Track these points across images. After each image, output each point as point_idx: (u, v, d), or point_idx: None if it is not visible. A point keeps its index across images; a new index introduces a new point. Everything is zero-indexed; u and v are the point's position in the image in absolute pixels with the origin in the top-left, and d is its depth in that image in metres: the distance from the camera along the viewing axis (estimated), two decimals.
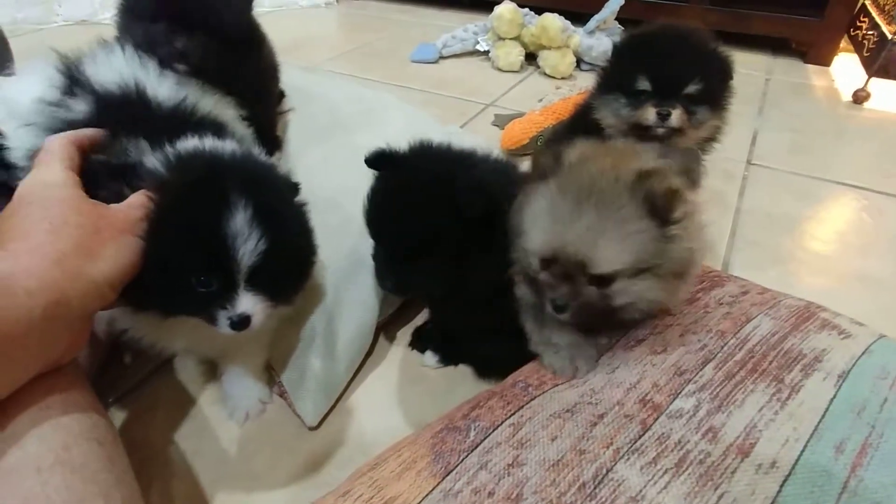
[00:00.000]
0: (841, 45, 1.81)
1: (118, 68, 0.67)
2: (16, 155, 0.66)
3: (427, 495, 0.40)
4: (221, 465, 0.62)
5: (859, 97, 1.52)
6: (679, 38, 0.80)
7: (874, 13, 1.64)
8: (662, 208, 0.46)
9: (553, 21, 1.60)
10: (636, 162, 0.50)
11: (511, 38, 1.68)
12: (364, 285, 0.74)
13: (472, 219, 0.54)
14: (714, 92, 0.79)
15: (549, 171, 0.51)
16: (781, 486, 0.35)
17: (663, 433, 0.40)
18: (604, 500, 0.36)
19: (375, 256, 0.63)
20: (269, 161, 0.62)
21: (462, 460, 0.43)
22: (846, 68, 1.75)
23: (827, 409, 0.40)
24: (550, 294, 0.50)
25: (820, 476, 0.35)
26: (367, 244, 0.75)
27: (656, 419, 0.42)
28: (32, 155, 0.58)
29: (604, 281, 0.48)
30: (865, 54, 1.60)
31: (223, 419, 0.67)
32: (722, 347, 0.49)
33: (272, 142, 0.92)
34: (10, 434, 0.40)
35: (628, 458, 0.39)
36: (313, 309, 0.71)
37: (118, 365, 0.72)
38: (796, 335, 0.49)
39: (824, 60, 1.78)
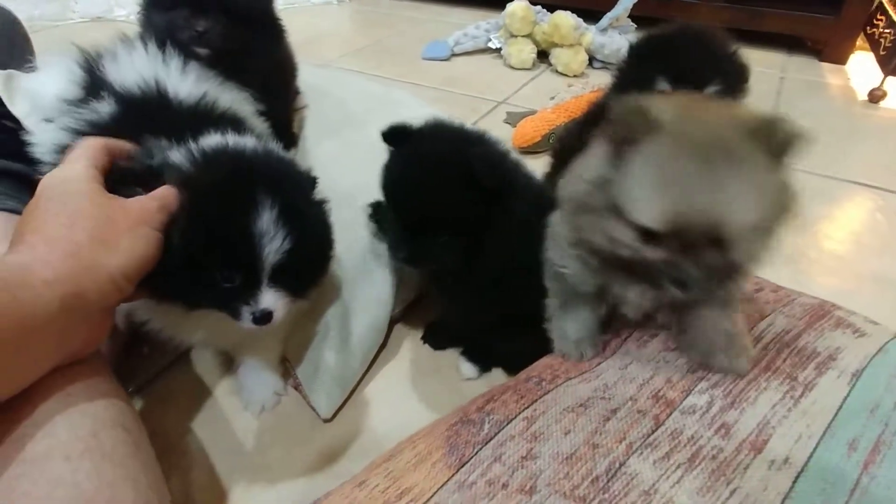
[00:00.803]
0: (857, 44, 1.79)
1: (139, 67, 0.68)
2: (39, 150, 0.67)
3: (442, 486, 0.41)
4: (237, 455, 0.64)
5: (875, 96, 1.50)
6: (698, 39, 0.80)
7: (891, 11, 1.62)
8: (786, 151, 0.42)
9: (565, 19, 1.60)
10: (740, 110, 0.46)
11: (523, 36, 1.68)
12: (378, 280, 0.75)
13: (486, 191, 0.55)
14: (733, 94, 0.79)
15: (643, 131, 0.43)
16: (794, 482, 0.35)
17: (676, 428, 0.41)
18: (617, 493, 0.37)
19: (390, 228, 0.64)
20: (290, 156, 0.63)
21: (476, 452, 0.43)
22: (862, 67, 1.73)
23: (840, 407, 0.40)
24: (671, 271, 0.43)
25: (832, 473, 0.36)
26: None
27: (669, 415, 0.42)
28: (62, 153, 0.59)
29: (727, 242, 0.42)
30: (882, 53, 1.58)
31: (239, 410, 0.68)
32: None
33: (289, 137, 0.92)
34: (38, 421, 0.41)
35: (641, 453, 0.39)
36: (328, 303, 0.72)
37: (137, 356, 0.73)
38: (810, 333, 0.49)
39: (840, 59, 1.76)
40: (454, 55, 1.79)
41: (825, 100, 1.56)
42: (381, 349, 0.76)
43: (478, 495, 0.39)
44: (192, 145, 0.54)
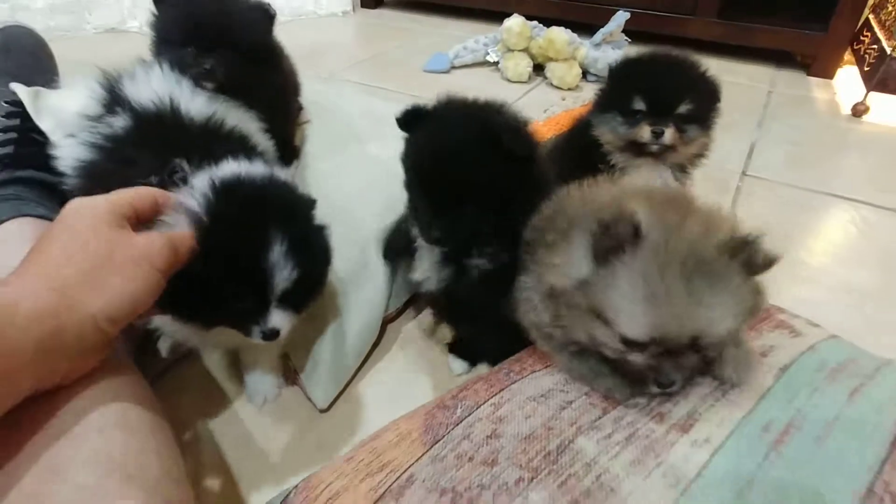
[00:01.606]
0: (845, 59, 1.84)
1: (155, 86, 0.75)
2: (62, 163, 0.73)
3: (417, 460, 0.47)
4: (243, 442, 0.70)
5: (858, 110, 1.56)
6: (671, 63, 0.87)
7: (876, 28, 1.68)
8: (761, 269, 0.44)
9: (560, 34, 1.67)
10: (720, 224, 0.47)
11: (520, 50, 1.75)
12: (371, 284, 0.81)
13: (515, 159, 0.54)
14: (703, 112, 0.86)
15: (628, 243, 0.44)
16: (711, 456, 0.41)
17: (619, 416, 0.47)
18: (564, 465, 0.43)
19: (416, 211, 0.63)
20: (292, 183, 0.67)
21: (449, 432, 0.50)
22: (848, 82, 1.78)
23: (763, 397, 0.47)
24: (655, 375, 0.46)
25: (746, 448, 0.42)
26: (374, 247, 0.83)
27: (615, 406, 0.48)
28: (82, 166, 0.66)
29: (705, 346, 0.45)
30: (866, 68, 1.64)
31: (244, 401, 0.75)
32: None
33: (291, 151, 0.99)
34: (72, 403, 0.47)
35: (587, 434, 0.45)
36: (326, 306, 0.78)
37: (150, 351, 0.80)
38: (749, 334, 0.55)
39: (827, 73, 1.81)
40: (454, 68, 1.86)
41: (810, 114, 1.61)
42: (375, 347, 0.82)
43: (448, 467, 0.46)
44: (209, 175, 0.58)
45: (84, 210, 0.50)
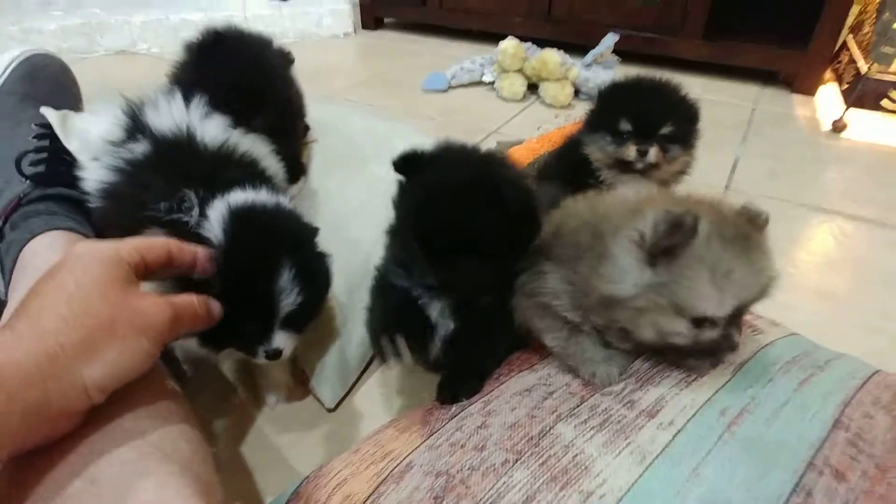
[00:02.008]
0: (826, 77, 1.92)
1: (174, 115, 0.79)
2: (88, 185, 0.78)
3: (416, 449, 0.53)
4: (257, 438, 0.76)
5: (837, 126, 1.63)
6: (655, 87, 0.94)
7: (854, 48, 1.76)
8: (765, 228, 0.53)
9: (552, 56, 1.75)
10: (724, 204, 0.54)
11: (514, 71, 1.82)
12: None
13: (515, 214, 0.55)
14: (684, 133, 0.92)
15: (688, 238, 0.48)
16: (674, 436, 0.47)
17: (595, 404, 0.53)
18: (544, 447, 0.49)
19: (409, 258, 0.61)
20: (297, 211, 0.72)
21: (443, 425, 0.55)
22: (829, 99, 1.85)
23: (722, 386, 0.52)
24: (728, 343, 0.51)
25: (705, 429, 0.47)
26: (376, 257, 0.89)
27: (592, 395, 0.54)
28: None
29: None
30: (844, 86, 1.72)
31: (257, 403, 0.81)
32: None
33: (298, 168, 1.06)
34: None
35: (566, 420, 0.51)
36: (331, 314, 0.84)
37: (170, 357, 0.86)
38: None
39: (809, 91, 1.89)
40: (451, 87, 1.93)
41: (792, 130, 1.68)
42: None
43: (442, 454, 0.52)
44: (223, 204, 0.63)
45: (91, 262, 0.47)
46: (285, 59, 0.98)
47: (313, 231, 0.69)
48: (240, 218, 0.63)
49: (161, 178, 0.70)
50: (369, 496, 0.50)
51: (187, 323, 0.53)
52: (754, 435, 0.47)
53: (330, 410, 0.79)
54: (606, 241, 0.53)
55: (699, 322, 0.50)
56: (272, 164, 0.87)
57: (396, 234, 0.63)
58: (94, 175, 0.78)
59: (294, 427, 0.77)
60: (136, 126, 0.79)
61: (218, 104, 0.84)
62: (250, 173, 0.76)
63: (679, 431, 0.48)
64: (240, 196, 0.66)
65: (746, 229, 0.51)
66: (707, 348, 0.52)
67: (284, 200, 0.71)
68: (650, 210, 0.51)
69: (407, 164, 0.60)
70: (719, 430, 0.48)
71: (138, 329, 0.47)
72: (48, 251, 0.76)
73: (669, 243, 0.48)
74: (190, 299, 0.54)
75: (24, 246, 0.76)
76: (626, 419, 0.50)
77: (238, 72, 0.90)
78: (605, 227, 0.54)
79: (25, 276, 0.73)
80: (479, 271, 0.56)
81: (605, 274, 0.52)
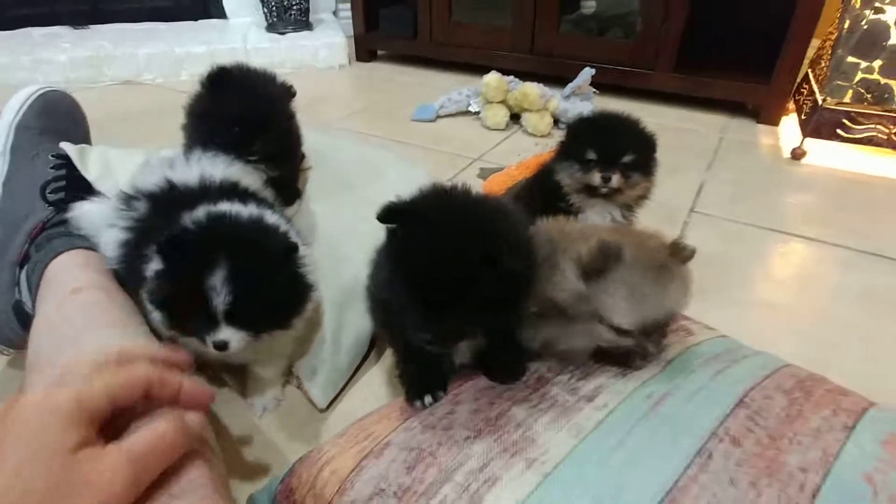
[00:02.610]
0: (790, 108, 2.06)
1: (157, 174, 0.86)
2: (108, 249, 0.85)
3: (393, 430, 0.62)
4: (251, 435, 0.84)
5: (796, 154, 1.75)
6: (617, 121, 1.05)
7: (813, 81, 1.90)
8: (690, 259, 0.63)
9: (532, 88, 1.87)
10: (653, 238, 0.65)
11: (498, 102, 1.95)
12: (361, 306, 0.97)
13: (509, 275, 0.54)
14: (644, 161, 1.04)
15: (614, 262, 0.59)
16: (607, 416, 0.57)
17: (545, 392, 0.63)
18: (500, 426, 0.58)
19: (402, 310, 0.59)
20: (270, 223, 0.75)
21: (418, 412, 0.65)
22: (792, 129, 1.98)
23: (652, 377, 0.62)
24: (641, 351, 0.62)
25: (632, 409, 0.57)
26: (365, 272, 0.99)
27: (544, 385, 0.64)
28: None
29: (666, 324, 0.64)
30: (803, 117, 1.85)
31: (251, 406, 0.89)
32: None
33: (294, 193, 1.17)
34: None
35: (520, 405, 0.61)
36: (323, 321, 0.94)
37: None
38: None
39: (773, 121, 2.02)
40: (439, 117, 2.05)
41: (755, 157, 1.81)
42: (366, 358, 0.98)
43: (415, 433, 0.61)
44: (201, 210, 0.70)
45: (43, 418, 0.42)
46: (287, 92, 1.09)
47: (286, 245, 0.71)
48: (207, 218, 0.69)
49: (163, 220, 0.75)
50: (353, 469, 0.59)
51: (162, 461, 0.47)
52: (672, 413, 0.57)
53: (322, 411, 0.88)
54: (558, 256, 0.64)
55: (619, 331, 0.61)
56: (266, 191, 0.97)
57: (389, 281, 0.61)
58: (111, 238, 0.84)
59: (288, 426, 0.86)
60: (130, 198, 0.86)
61: (223, 131, 0.95)
62: (242, 195, 0.84)
63: (611, 412, 0.58)
64: (223, 205, 0.73)
65: (665, 261, 0.61)
66: (624, 354, 0.64)
67: (273, 216, 0.76)
68: (594, 237, 0.63)
69: (391, 215, 0.58)
70: (645, 409, 0.57)
71: (92, 495, 0.41)
72: (70, 267, 0.85)
73: (599, 265, 0.60)
74: (157, 434, 0.47)
75: (48, 264, 0.85)
76: (569, 403, 0.60)
77: (242, 101, 1.00)
78: (561, 244, 0.66)
79: (50, 291, 0.83)
80: (472, 322, 0.58)
81: (553, 281, 0.63)
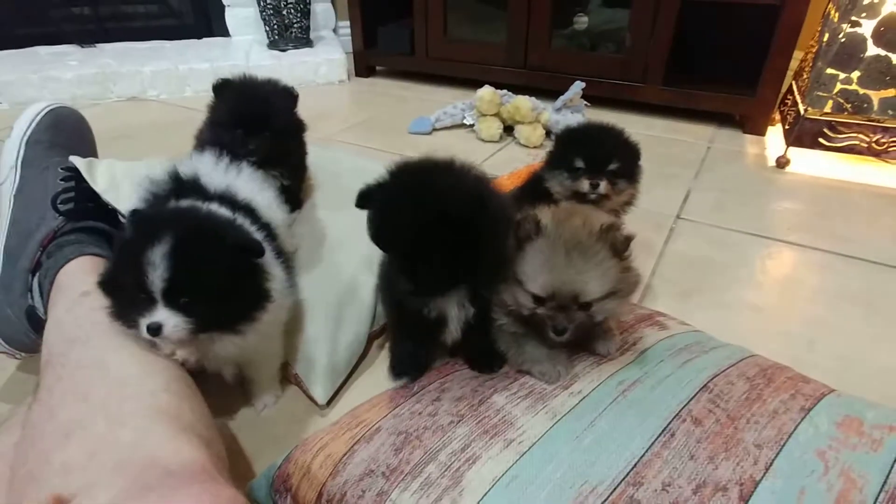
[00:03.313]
0: (776, 119, 2.12)
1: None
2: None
3: (383, 417, 0.67)
4: (256, 429, 0.88)
5: (780, 162, 1.81)
6: (603, 131, 1.11)
7: (796, 92, 1.96)
8: (622, 250, 0.64)
9: (525, 101, 1.94)
10: (595, 218, 0.67)
11: (491, 115, 2.01)
12: (359, 304, 1.02)
13: (462, 220, 0.58)
14: (629, 169, 1.09)
15: (534, 233, 0.65)
16: (579, 402, 0.61)
17: (525, 381, 0.67)
18: (482, 411, 0.63)
19: (388, 270, 0.70)
20: (233, 224, 0.77)
21: (407, 400, 0.69)
22: (777, 138, 2.04)
23: (624, 366, 0.67)
24: (552, 322, 0.65)
25: (604, 395, 0.62)
26: (362, 275, 1.04)
27: (523, 375, 0.69)
28: None
29: (588, 305, 0.64)
30: (786, 127, 1.91)
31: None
32: None
33: (297, 202, 1.22)
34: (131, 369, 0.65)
35: (500, 392, 0.66)
36: (321, 320, 0.98)
37: None
38: (629, 331, 0.76)
39: (759, 131, 2.08)
40: (435, 129, 2.11)
41: (741, 166, 1.86)
42: (363, 357, 1.02)
43: (403, 419, 0.65)
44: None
45: None
46: (289, 95, 1.15)
47: (242, 241, 0.71)
48: (170, 210, 0.73)
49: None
50: (345, 453, 0.63)
51: None
52: (640, 397, 0.61)
53: (321, 407, 0.92)
54: None
55: (535, 299, 0.65)
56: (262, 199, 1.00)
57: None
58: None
59: (288, 421, 0.90)
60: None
61: (227, 129, 1.03)
62: (233, 202, 0.87)
63: (584, 398, 0.62)
64: (185, 202, 0.77)
65: (587, 241, 0.64)
66: (539, 322, 0.67)
67: (243, 221, 0.79)
68: (531, 213, 0.67)
69: (363, 198, 0.66)
70: (615, 395, 0.62)
71: None
72: (79, 272, 0.90)
73: (522, 235, 0.65)
74: None
75: (59, 270, 0.90)
76: (546, 390, 0.65)
77: (243, 101, 1.07)
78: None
79: (61, 295, 0.87)
80: (448, 270, 0.62)
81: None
